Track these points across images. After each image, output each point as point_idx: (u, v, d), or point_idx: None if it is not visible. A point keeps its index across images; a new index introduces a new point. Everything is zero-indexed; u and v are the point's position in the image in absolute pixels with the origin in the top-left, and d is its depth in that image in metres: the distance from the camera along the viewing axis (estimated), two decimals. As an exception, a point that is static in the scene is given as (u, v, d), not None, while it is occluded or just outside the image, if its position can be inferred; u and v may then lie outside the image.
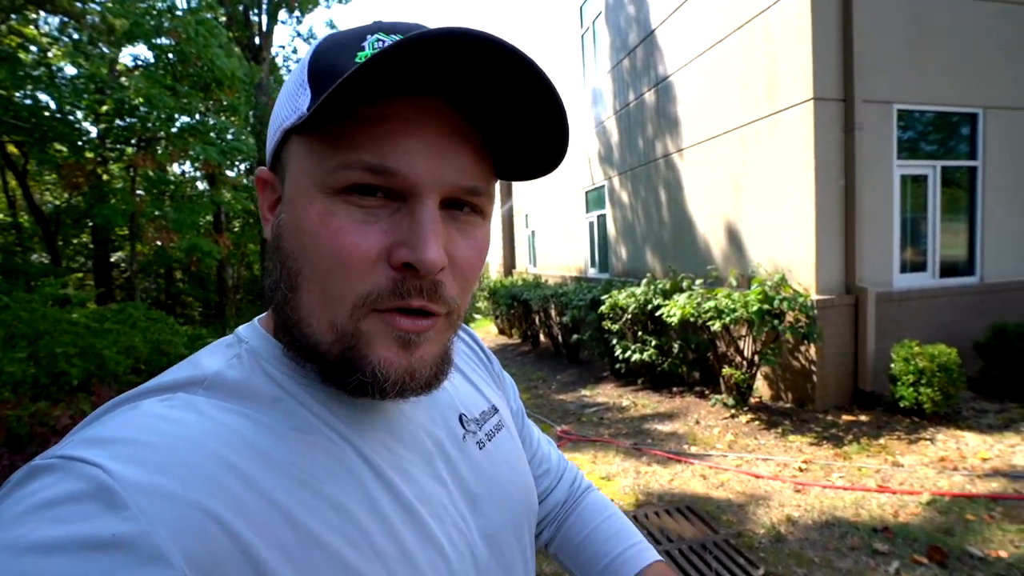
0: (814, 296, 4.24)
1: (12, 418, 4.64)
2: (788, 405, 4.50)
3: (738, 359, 4.43)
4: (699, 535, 2.66)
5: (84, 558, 0.27)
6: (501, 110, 0.38)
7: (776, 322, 4.00)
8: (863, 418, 4.05)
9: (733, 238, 5.23)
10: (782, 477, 3.23)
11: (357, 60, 0.36)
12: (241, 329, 0.44)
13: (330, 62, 0.37)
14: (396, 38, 0.36)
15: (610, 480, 3.40)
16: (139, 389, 0.37)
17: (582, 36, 8.83)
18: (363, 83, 0.32)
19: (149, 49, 7.26)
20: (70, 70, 7.79)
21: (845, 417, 4.09)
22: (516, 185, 14.16)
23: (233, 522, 0.31)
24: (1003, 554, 2.32)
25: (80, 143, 7.28)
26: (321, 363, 0.38)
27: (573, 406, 5.21)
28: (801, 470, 3.31)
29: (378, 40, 0.37)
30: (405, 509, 0.39)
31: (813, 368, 4.27)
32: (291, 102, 0.38)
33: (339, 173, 0.35)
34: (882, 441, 3.62)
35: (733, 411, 4.37)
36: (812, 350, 4.25)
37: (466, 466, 0.47)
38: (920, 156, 4.67)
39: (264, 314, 0.46)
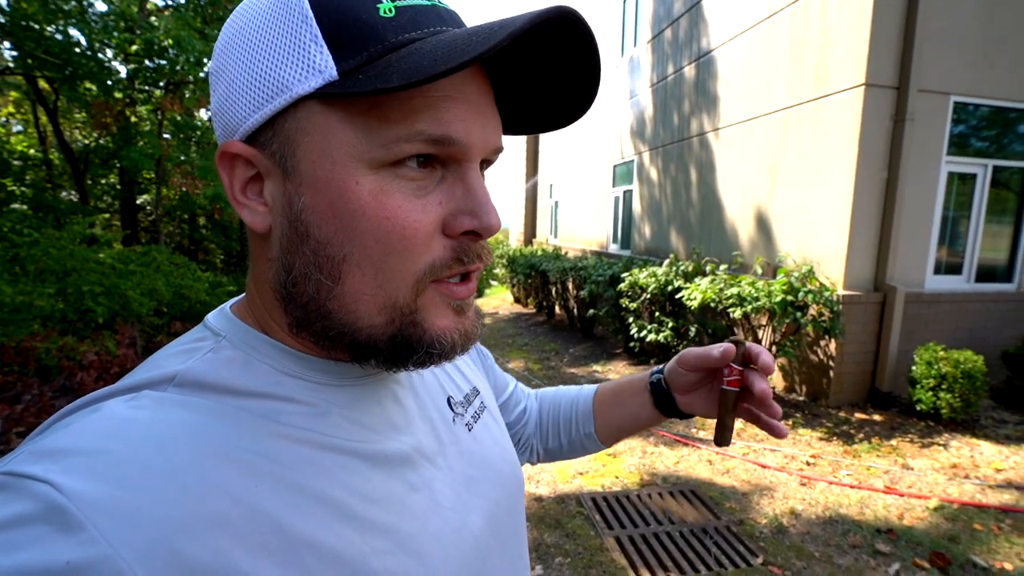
0: (841, 291, 4.14)
1: (41, 350, 4.82)
2: (801, 398, 4.47)
3: (755, 349, 4.38)
4: (701, 520, 2.69)
5: None
6: (531, 68, 0.38)
7: (799, 314, 3.93)
8: (877, 418, 4.00)
9: (762, 224, 5.09)
10: (789, 469, 3.23)
11: (381, 14, 0.32)
12: (211, 319, 0.40)
13: (346, 13, 0.31)
14: None
15: (615, 458, 3.44)
16: (103, 391, 0.33)
17: (624, 2, 8.45)
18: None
19: (179, -12, 7.12)
20: (100, 6, 7.71)
21: (858, 415, 4.05)
22: (542, 154, 13.90)
23: (210, 535, 0.28)
24: (1008, 566, 2.31)
25: (110, 83, 7.27)
26: (362, 350, 0.36)
27: (584, 380, 5.24)
28: (808, 464, 3.30)
29: None
30: (400, 497, 0.38)
31: (831, 363, 4.21)
32: (297, 59, 0.31)
33: (397, 146, 0.32)
34: (894, 442, 3.58)
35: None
36: (832, 345, 4.18)
37: (459, 448, 0.46)
38: (971, 153, 4.44)
39: (235, 301, 0.42)
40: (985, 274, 4.65)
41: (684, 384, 0.60)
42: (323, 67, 0.31)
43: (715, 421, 0.58)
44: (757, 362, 0.54)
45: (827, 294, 3.94)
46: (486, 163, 0.39)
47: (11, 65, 7.63)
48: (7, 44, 6.99)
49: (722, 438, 0.56)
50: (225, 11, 6.51)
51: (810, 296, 3.90)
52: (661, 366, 0.64)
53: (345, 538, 0.33)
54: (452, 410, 0.48)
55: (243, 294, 0.42)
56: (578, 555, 2.40)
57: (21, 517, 0.25)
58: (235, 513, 0.30)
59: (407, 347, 0.36)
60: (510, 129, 0.43)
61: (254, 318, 0.39)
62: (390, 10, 0.32)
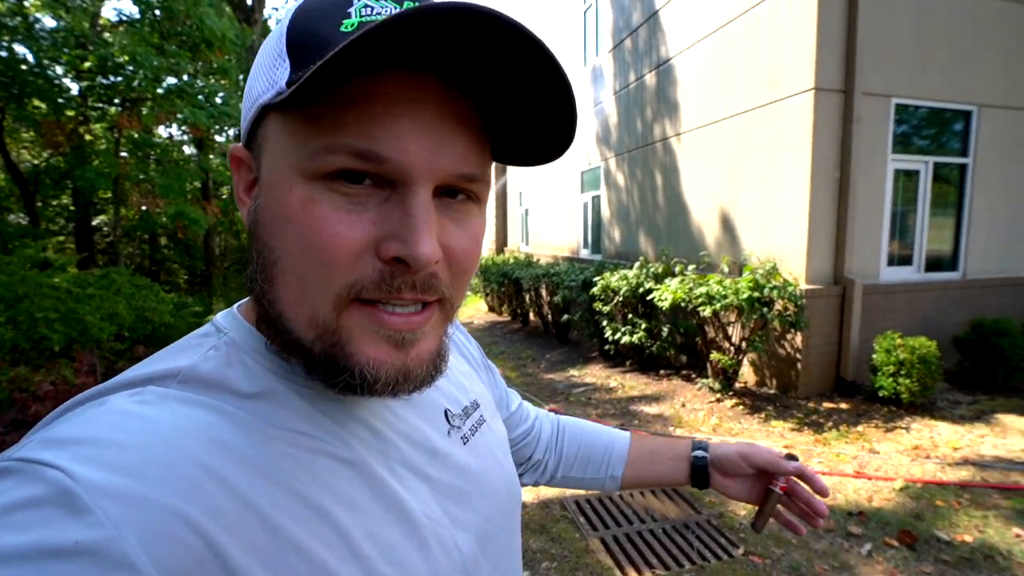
0: (803, 286, 4.31)
1: (-7, 382, 4.56)
2: (772, 391, 4.61)
3: (726, 345, 4.51)
4: (682, 515, 2.75)
5: (44, 567, 0.25)
6: (503, 91, 0.36)
7: (765, 310, 4.07)
8: (843, 406, 4.17)
9: (727, 225, 5.27)
10: (763, 461, 3.33)
11: (343, 29, 0.32)
12: (219, 318, 0.41)
13: (311, 31, 0.33)
14: (386, 4, 0.33)
15: (597, 459, 3.48)
16: (107, 384, 0.34)
17: (584, 13, 8.65)
18: (352, 58, 0.29)
19: (134, 3, 6.95)
20: (49, 22, 7.44)
21: (826, 404, 4.21)
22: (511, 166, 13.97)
23: (206, 526, 0.30)
24: (968, 538, 2.44)
25: (60, 100, 7.01)
26: (306, 358, 0.36)
27: (561, 386, 5.29)
28: (782, 454, 3.41)
29: (365, 6, 0.33)
30: (388, 509, 0.38)
31: (798, 356, 4.37)
32: (268, 74, 0.34)
33: (322, 157, 0.32)
34: (860, 429, 3.74)
35: (719, 395, 4.47)
36: (798, 338, 4.34)
37: (453, 462, 0.46)
38: (913, 151, 4.71)
39: (244, 301, 0.43)
40: (933, 264, 4.92)
41: (732, 471, 0.68)
42: (279, 80, 0.33)
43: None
44: (812, 482, 0.65)
45: (791, 289, 4.10)
46: (455, 190, 0.36)
47: (-49, 84, 7.27)
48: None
49: (760, 526, 0.67)
50: (184, 27, 6.38)
51: (775, 292, 4.05)
52: (703, 441, 0.72)
53: (331, 545, 0.34)
54: (448, 423, 0.48)
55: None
56: (564, 558, 2.42)
57: (33, 499, 0.27)
58: (230, 507, 0.31)
59: (335, 368, 0.34)
60: (504, 159, 0.43)
61: (255, 318, 0.40)
62: (352, 25, 0.32)
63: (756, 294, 4.06)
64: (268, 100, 0.33)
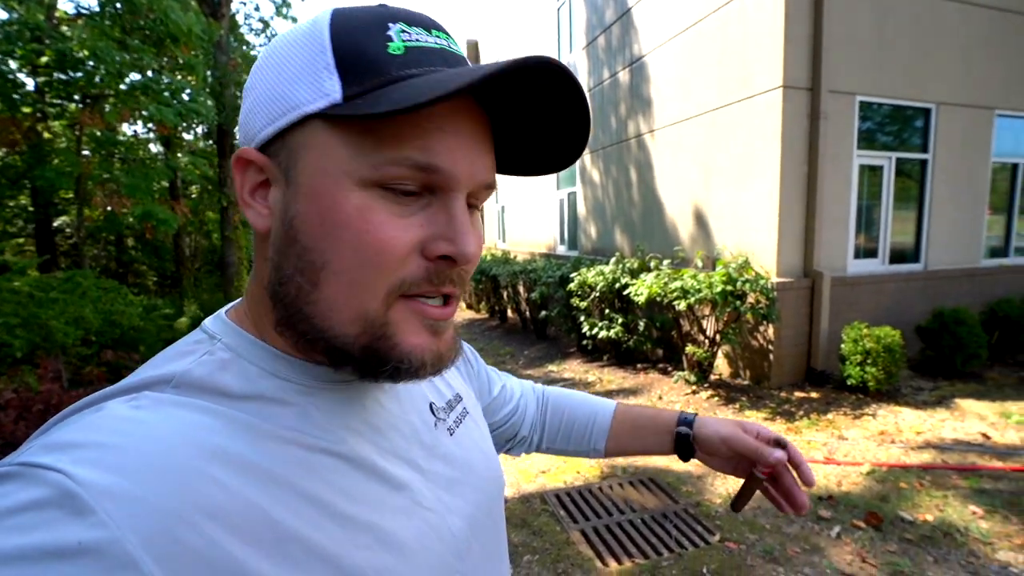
0: (774, 279, 4.43)
1: (-49, 392, 4.37)
2: (746, 382, 4.73)
3: (700, 337, 4.60)
4: (660, 505, 2.80)
5: (48, 567, 0.26)
6: (526, 115, 0.42)
7: (738, 303, 4.17)
8: (814, 395, 4.30)
9: (700, 220, 5.37)
10: (738, 450, 3.41)
11: (391, 52, 0.36)
12: (209, 324, 0.42)
13: (359, 48, 0.35)
14: (419, 31, 0.37)
15: (577, 453, 3.52)
16: (103, 392, 0.36)
17: (558, 9, 8.68)
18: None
19: (93, -4, 6.67)
20: (0, 14, 7.10)
21: (798, 394, 4.34)
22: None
23: (206, 524, 0.30)
24: (929, 518, 2.55)
25: (15, 96, 6.70)
26: (337, 356, 0.38)
27: (540, 381, 5.27)
28: (755, 443, 3.51)
29: (403, 31, 0.37)
30: (384, 498, 0.40)
31: (770, 347, 4.48)
32: (311, 83, 0.35)
33: (384, 168, 0.35)
34: (830, 416, 3.87)
35: (694, 387, 4.56)
36: (770, 330, 4.45)
37: (440, 452, 0.48)
38: (877, 147, 4.88)
39: (232, 306, 0.44)
40: (897, 256, 5.11)
41: (714, 451, 0.68)
42: (331, 91, 0.35)
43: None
44: (799, 470, 0.63)
45: (762, 282, 4.21)
46: (473, 198, 0.40)
47: None
48: None
49: (740, 507, 0.67)
50: (147, 20, 6.17)
51: (747, 285, 4.15)
52: (689, 415, 0.72)
53: (330, 534, 0.35)
54: (434, 415, 0.50)
55: (240, 299, 0.45)
56: (545, 551, 2.45)
57: (36, 502, 0.27)
58: (230, 506, 0.32)
59: (377, 360, 0.37)
60: (507, 170, 0.47)
61: (251, 320, 0.41)
62: (400, 49, 0.36)
63: (729, 287, 4.15)
64: (318, 109, 0.35)
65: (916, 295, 5.01)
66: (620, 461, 3.36)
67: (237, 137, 0.41)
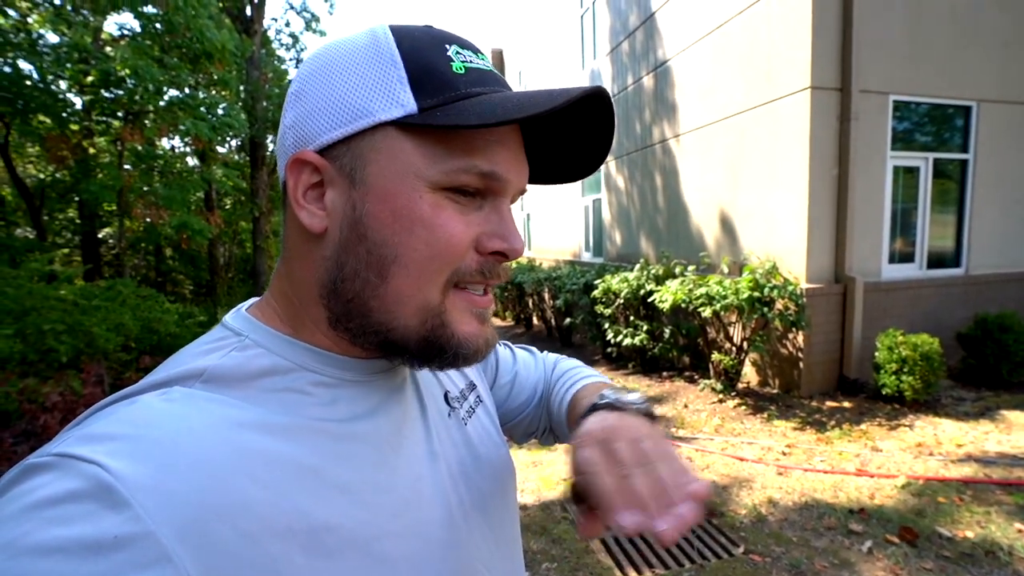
0: (804, 284, 4.31)
1: (0, 394, 4.62)
2: (774, 391, 4.60)
3: (727, 345, 4.51)
4: (684, 515, 2.74)
5: (85, 560, 0.26)
6: (558, 129, 0.46)
7: (765, 310, 4.07)
8: (846, 404, 4.15)
9: (726, 225, 5.27)
10: (766, 460, 3.32)
11: (455, 71, 0.39)
12: (231, 321, 0.43)
13: (428, 64, 0.39)
14: (469, 54, 0.42)
15: (599, 461, 3.48)
16: (134, 387, 0.36)
17: (581, 17, 8.70)
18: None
19: (135, 18, 7.04)
20: (52, 38, 7.54)
21: (829, 403, 4.20)
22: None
23: (239, 517, 0.31)
24: (969, 534, 2.42)
25: (64, 115, 7.10)
26: (392, 348, 0.41)
27: (564, 389, 5.29)
28: (784, 454, 3.40)
29: (458, 52, 0.41)
30: (410, 486, 0.42)
31: (800, 355, 4.35)
32: (383, 92, 0.38)
33: (455, 175, 0.38)
34: (863, 427, 3.72)
35: (721, 396, 4.46)
36: (800, 337, 4.33)
37: (455, 441, 0.49)
38: (913, 148, 4.70)
39: (251, 304, 0.45)
40: (936, 260, 4.90)
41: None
42: (405, 102, 0.38)
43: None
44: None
45: (791, 288, 4.10)
46: (511, 200, 0.45)
47: (-42, 101, 7.38)
48: (-47, 80, 6.77)
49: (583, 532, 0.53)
50: (184, 39, 6.46)
51: (775, 291, 4.05)
52: (601, 401, 0.58)
53: (361, 521, 0.37)
54: (449, 405, 0.52)
55: (256, 298, 0.46)
56: (564, 559, 2.42)
57: (73, 493, 0.28)
58: (262, 498, 0.33)
59: (438, 348, 0.40)
60: (532, 179, 0.50)
61: (279, 318, 0.42)
62: (462, 68, 0.40)
63: (756, 294, 4.06)
64: (395, 118, 0.38)
65: (956, 301, 4.79)
66: (643, 470, 3.31)
67: (273, 145, 0.44)
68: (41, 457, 0.30)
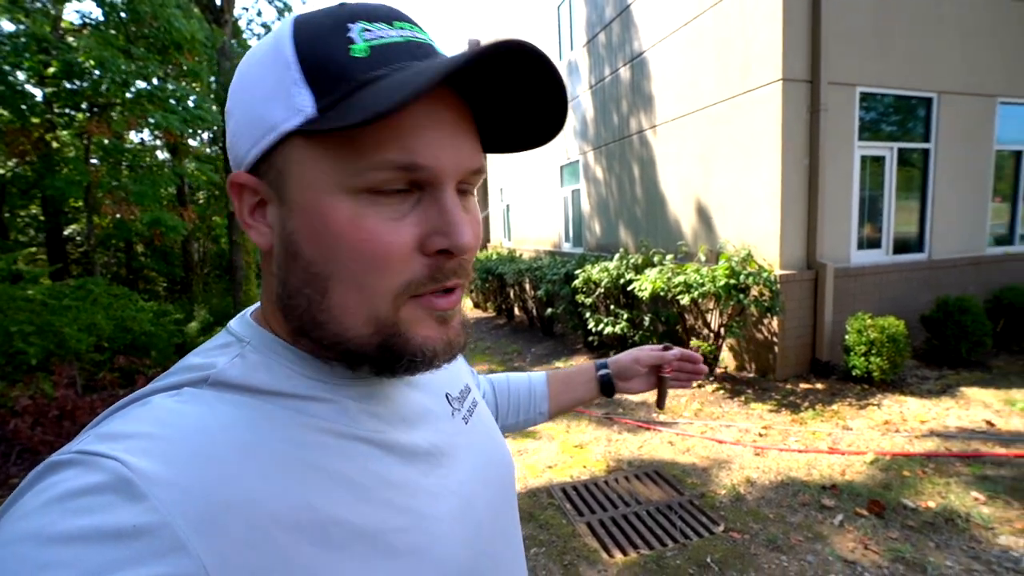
0: (778, 271, 4.44)
1: (-31, 399, 4.47)
2: (751, 375, 4.75)
3: (705, 331, 4.63)
4: (666, 497, 2.84)
5: (106, 548, 0.27)
6: (504, 97, 0.41)
7: (741, 296, 4.19)
8: (819, 386, 4.32)
9: (703, 214, 5.38)
10: (743, 442, 3.45)
11: (354, 55, 0.35)
12: (236, 327, 0.43)
13: (324, 56, 0.35)
14: (381, 26, 0.37)
15: (583, 448, 3.56)
16: (146, 389, 0.38)
17: (558, 7, 8.69)
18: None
19: (97, 5, 6.78)
20: (8, 26, 7.22)
21: (803, 385, 4.36)
22: (491, 157, 14.00)
23: (249, 511, 0.32)
24: (931, 504, 2.58)
25: (24, 107, 6.83)
26: (353, 356, 0.39)
27: (547, 378, 5.36)
28: (761, 435, 3.54)
29: (365, 29, 0.36)
30: (415, 482, 0.42)
31: (775, 340, 4.50)
32: (284, 100, 0.35)
33: (367, 175, 0.35)
34: (835, 407, 3.89)
35: (700, 381, 4.58)
36: (774, 323, 4.47)
37: (458, 439, 0.50)
38: (880, 137, 4.87)
39: (255, 308, 0.46)
40: (901, 246, 5.10)
41: (630, 374, 0.84)
42: (304, 106, 0.35)
43: (673, 405, 0.75)
44: (692, 359, 0.84)
45: (765, 275, 4.22)
46: (464, 184, 0.40)
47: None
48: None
49: (663, 405, 0.86)
50: (151, 29, 6.25)
51: (750, 278, 4.17)
52: (603, 360, 0.86)
53: (368, 516, 0.38)
54: (450, 405, 0.52)
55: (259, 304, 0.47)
56: (552, 543, 2.50)
57: (95, 486, 0.29)
58: (270, 493, 0.34)
59: (392, 356, 0.39)
60: (492, 148, 0.46)
61: (278, 324, 0.43)
62: (364, 50, 0.35)
63: (732, 281, 4.17)
64: (296, 126, 0.35)
65: (920, 285, 5.01)
66: (625, 455, 3.40)
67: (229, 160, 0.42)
68: (63, 455, 0.32)
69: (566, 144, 8.67)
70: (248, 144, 0.38)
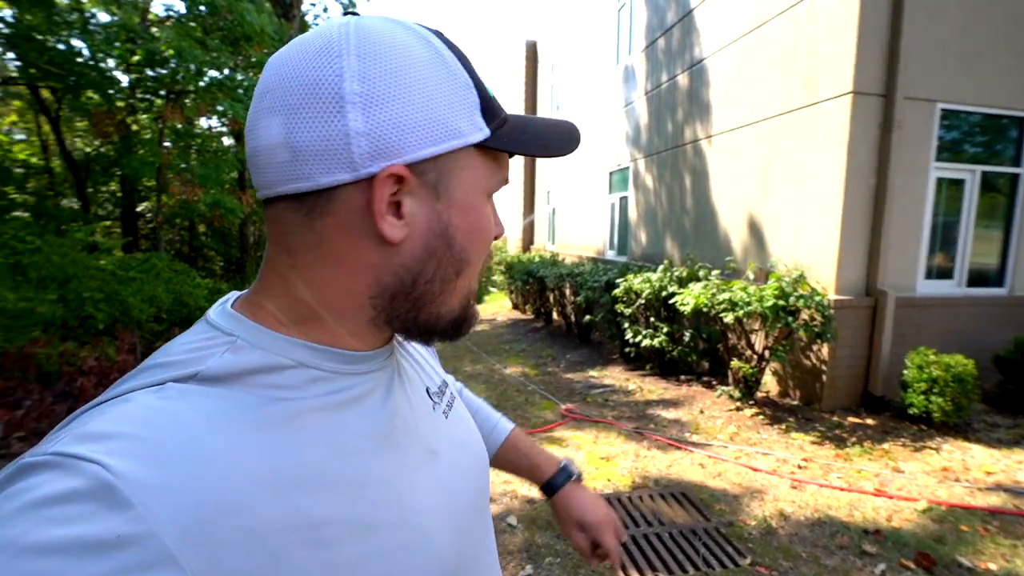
0: (832, 296, 4.18)
1: (42, 356, 4.86)
2: (795, 402, 4.49)
3: (748, 352, 4.41)
4: (691, 521, 2.71)
5: (86, 560, 0.25)
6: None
7: (790, 319, 3.96)
8: (869, 422, 4.03)
9: (755, 230, 5.15)
10: (780, 472, 3.25)
11: (491, 93, 0.45)
12: (217, 319, 0.41)
13: (483, 88, 0.43)
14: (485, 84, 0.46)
15: (609, 461, 3.46)
16: (122, 386, 0.35)
17: (619, 11, 8.56)
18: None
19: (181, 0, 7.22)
20: (103, 17, 7.80)
21: (851, 419, 4.08)
22: (540, 161, 13.99)
23: (241, 516, 0.31)
24: (992, 566, 2.33)
25: (111, 91, 7.36)
26: (435, 333, 0.45)
27: (580, 386, 5.27)
28: (800, 467, 3.33)
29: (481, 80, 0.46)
30: (404, 476, 0.42)
31: (824, 368, 4.24)
32: (468, 117, 0.41)
33: (499, 184, 0.46)
34: (886, 446, 3.61)
35: (739, 403, 4.38)
36: (824, 350, 4.21)
37: (440, 433, 0.50)
38: (961, 159, 4.50)
39: (236, 299, 0.43)
40: (976, 278, 4.69)
41: (573, 515, 0.79)
42: (482, 126, 0.42)
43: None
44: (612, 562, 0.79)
45: (818, 299, 3.98)
46: None
47: (15, 75, 7.73)
48: (11, 55, 7.09)
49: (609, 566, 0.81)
50: (225, 21, 6.60)
51: (801, 301, 3.94)
52: (575, 471, 0.82)
53: (360, 513, 0.37)
54: (431, 399, 0.52)
55: (237, 294, 0.45)
56: (568, 555, 2.43)
57: (73, 493, 0.27)
58: (261, 495, 0.33)
59: (464, 323, 0.46)
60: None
61: (276, 319, 0.41)
62: (493, 92, 0.45)
63: (781, 302, 3.96)
64: (477, 141, 0.42)
65: (997, 322, 4.58)
66: (653, 472, 3.28)
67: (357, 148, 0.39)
68: (37, 456, 0.29)
69: (617, 150, 8.52)
70: (420, 143, 0.39)
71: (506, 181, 0.46)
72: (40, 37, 6.63)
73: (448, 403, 0.55)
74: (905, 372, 3.94)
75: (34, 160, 10.19)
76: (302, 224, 0.39)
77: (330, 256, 0.40)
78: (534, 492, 3.06)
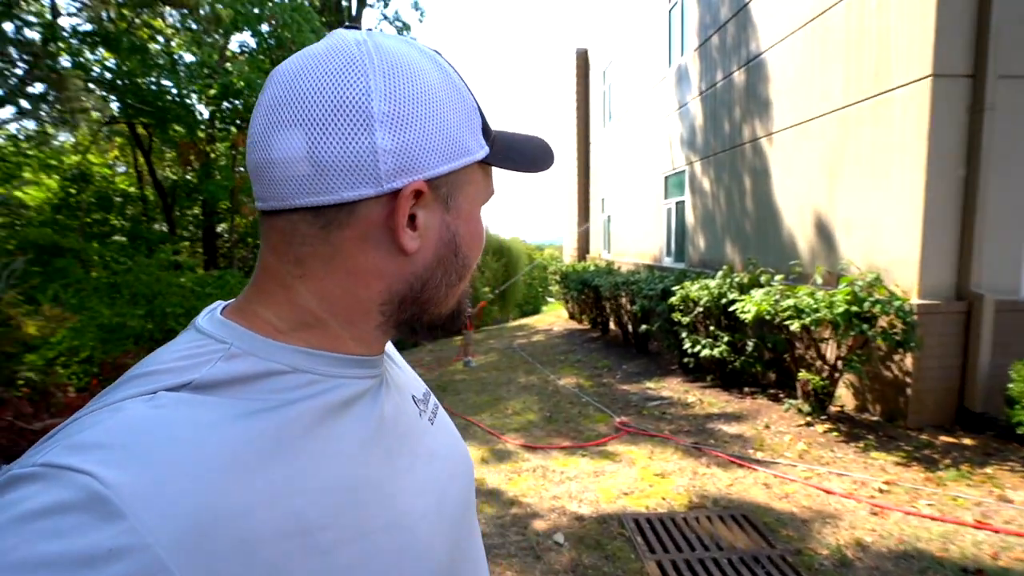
0: (915, 300, 3.78)
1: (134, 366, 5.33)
2: (875, 418, 4.08)
3: (818, 363, 4.07)
4: (753, 547, 2.50)
5: (78, 575, 0.25)
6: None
7: (866, 326, 3.61)
8: (967, 442, 3.58)
9: (822, 231, 4.77)
10: (857, 496, 2.94)
11: (483, 111, 0.48)
12: (206, 327, 0.40)
13: (482, 110, 0.46)
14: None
15: (664, 478, 3.29)
16: (111, 395, 0.35)
17: (669, 11, 8.34)
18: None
19: (252, 36, 7.82)
20: (188, 57, 8.60)
21: (944, 438, 3.64)
22: (593, 168, 13.84)
23: (235, 525, 0.31)
24: None
25: (191, 124, 8.07)
26: (437, 326, 0.48)
27: (636, 398, 5.08)
28: (881, 491, 3.00)
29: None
30: (395, 480, 0.42)
31: (908, 380, 3.82)
32: (474, 136, 0.44)
33: (490, 196, 0.49)
34: (989, 470, 3.18)
35: (809, 418, 4.04)
36: (908, 360, 3.80)
37: (427, 439, 0.51)
38: (1069, 142, 3.95)
39: (226, 308, 0.43)
40: (1097, 278, 4.07)
41: None
42: (483, 144, 0.45)
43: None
44: None
45: (898, 304, 3.61)
46: None
47: (116, 115, 8.67)
48: (113, 98, 7.96)
49: None
50: (290, 52, 7.07)
51: (878, 306, 3.59)
52: None
53: (354, 518, 0.37)
54: (417, 406, 0.53)
55: (224, 303, 0.44)
56: (616, 578, 2.30)
57: (64, 505, 0.26)
58: (256, 504, 0.32)
59: (458, 316, 0.49)
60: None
61: (273, 327, 0.41)
62: (487, 117, 0.48)
63: (854, 308, 3.62)
64: (482, 158, 0.45)
65: (1125, 328, 3.95)
66: (712, 491, 3.08)
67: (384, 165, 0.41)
68: (24, 467, 0.28)
69: (672, 154, 8.25)
70: (438, 160, 0.42)
71: (494, 193, 0.50)
72: (136, 79, 7.39)
73: (433, 410, 0.56)
74: (1011, 386, 3.47)
75: (131, 189, 11.33)
76: (317, 236, 0.40)
77: (343, 266, 0.41)
78: (584, 509, 2.95)
